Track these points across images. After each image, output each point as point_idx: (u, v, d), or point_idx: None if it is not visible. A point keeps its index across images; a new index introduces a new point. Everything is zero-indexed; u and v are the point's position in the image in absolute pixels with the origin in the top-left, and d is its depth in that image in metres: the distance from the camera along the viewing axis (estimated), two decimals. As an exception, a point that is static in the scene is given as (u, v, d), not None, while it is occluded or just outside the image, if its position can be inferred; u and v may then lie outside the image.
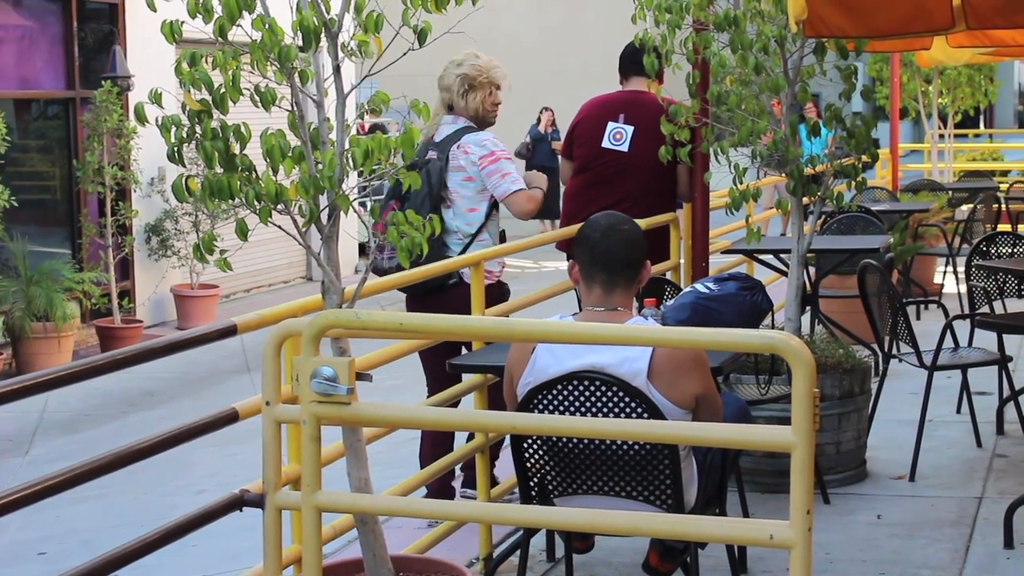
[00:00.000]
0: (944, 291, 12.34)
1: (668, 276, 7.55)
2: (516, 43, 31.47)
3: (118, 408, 10.96)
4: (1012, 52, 11.06)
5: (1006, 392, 7.52)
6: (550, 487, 4.43)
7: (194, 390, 11.57)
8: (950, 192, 14.72)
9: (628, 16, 6.80)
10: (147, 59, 13.80)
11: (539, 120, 24.12)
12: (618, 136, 7.52)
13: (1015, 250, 9.06)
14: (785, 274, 7.84)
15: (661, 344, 4.08)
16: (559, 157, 8.16)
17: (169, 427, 4.10)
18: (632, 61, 7.51)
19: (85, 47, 14.44)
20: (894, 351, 7.29)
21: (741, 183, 6.67)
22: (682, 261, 7.81)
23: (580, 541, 4.81)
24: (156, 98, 3.68)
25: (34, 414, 10.56)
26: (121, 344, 13.09)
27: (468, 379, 5.64)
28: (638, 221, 6.53)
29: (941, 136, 18.42)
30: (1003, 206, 13.56)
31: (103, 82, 13.66)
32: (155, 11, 3.75)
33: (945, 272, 12.57)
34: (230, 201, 3.70)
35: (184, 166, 3.82)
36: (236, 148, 3.71)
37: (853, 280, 7.50)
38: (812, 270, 9.49)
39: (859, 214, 10.37)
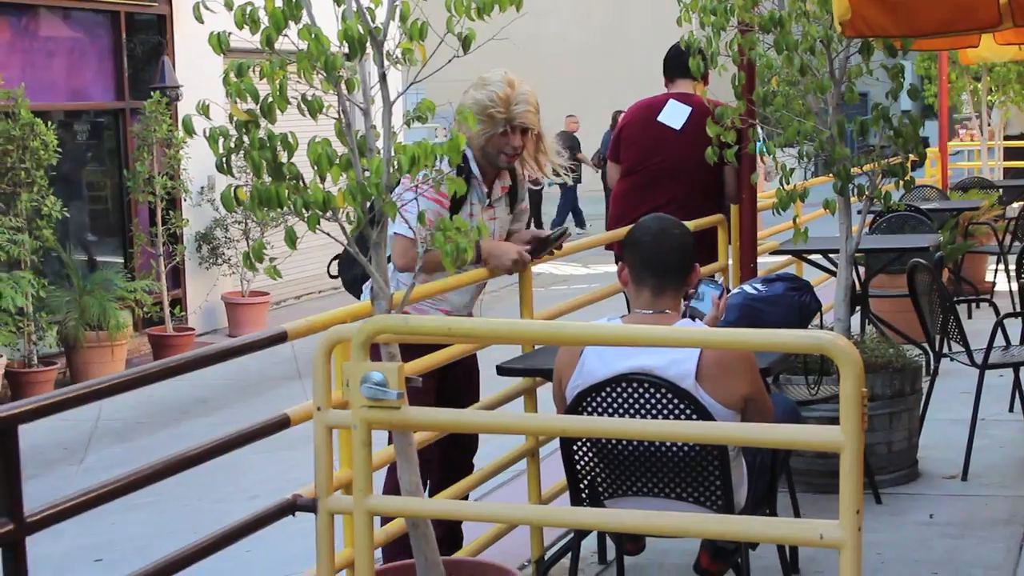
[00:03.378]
0: (996, 289, 12.26)
1: (717, 277, 7.54)
2: (561, 47, 31.55)
3: (171, 416, 11.05)
4: (1061, 48, 10.97)
5: (1058, 390, 7.48)
6: (600, 489, 4.44)
7: (246, 397, 11.64)
8: (1000, 190, 14.62)
9: (673, 19, 6.80)
10: (195, 69, 13.90)
11: (614, 124, 23.89)
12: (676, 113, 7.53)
13: (1067, 246, 9.00)
14: (834, 274, 7.82)
15: (709, 345, 4.09)
16: (607, 160, 8.16)
17: (222, 433, 4.14)
18: (677, 63, 7.51)
19: (134, 58, 14.57)
20: (945, 350, 7.25)
21: (788, 183, 6.67)
22: (730, 262, 7.79)
23: (631, 543, 4.83)
24: (204, 110, 3.72)
25: (88, 423, 10.66)
26: (173, 352, 13.21)
27: (514, 383, 5.66)
28: (686, 223, 6.58)
29: (992, 134, 18.30)
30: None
31: (152, 93, 13.80)
32: (202, 23, 3.79)
33: (996, 270, 12.49)
34: (279, 210, 3.73)
35: (233, 176, 3.86)
36: (284, 157, 3.74)
37: (903, 279, 7.48)
38: (862, 270, 9.46)
39: (908, 213, 10.33)
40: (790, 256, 9.27)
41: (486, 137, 5.50)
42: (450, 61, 4.00)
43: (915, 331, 8.12)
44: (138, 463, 3.86)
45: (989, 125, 18.22)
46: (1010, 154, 20.27)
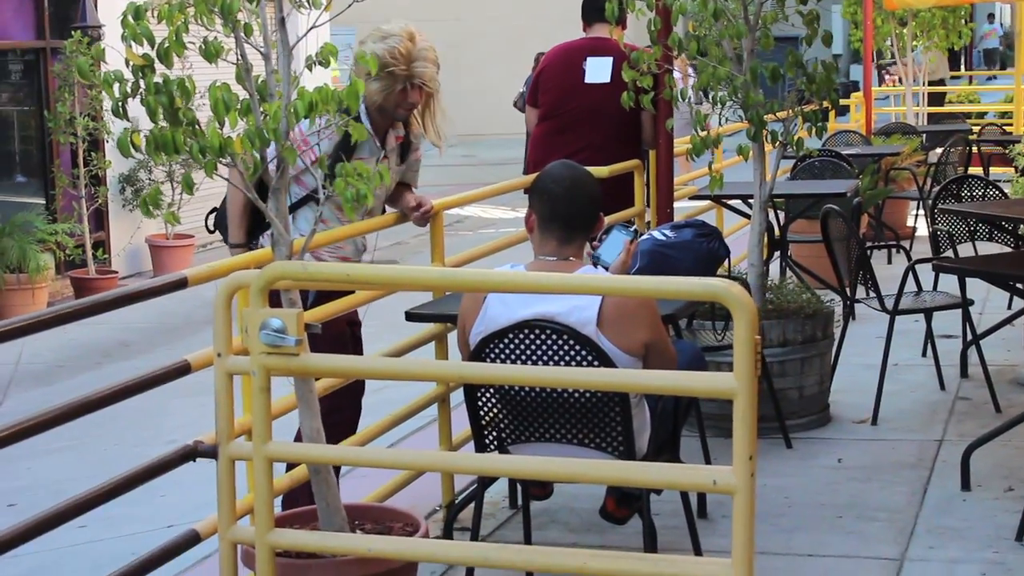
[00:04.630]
0: (916, 235, 12.37)
1: (633, 223, 7.55)
2: (494, -12, 31.35)
3: (93, 359, 10.97)
4: (980, -6, 11.01)
5: (970, 336, 7.57)
6: (503, 435, 4.46)
7: (169, 340, 11.56)
8: (923, 135, 14.71)
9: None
10: (117, 8, 13.66)
11: (536, 67, 23.73)
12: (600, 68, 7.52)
13: (986, 193, 9.07)
14: (752, 219, 7.86)
15: (607, 293, 4.10)
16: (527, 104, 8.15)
17: (121, 380, 4.13)
18: (594, 7, 7.50)
19: (55, -3, 14.37)
20: (860, 295, 7.32)
21: (703, 129, 6.67)
22: (648, 208, 7.81)
23: (538, 488, 4.85)
24: (99, 53, 3.69)
25: (8, 366, 10.57)
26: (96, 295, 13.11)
27: (426, 328, 5.66)
28: (602, 168, 6.58)
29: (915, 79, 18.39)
30: (975, 148, 13.57)
31: (73, 32, 13.59)
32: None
33: (917, 215, 12.59)
34: (175, 155, 3.71)
35: (128, 120, 3.82)
36: (180, 102, 3.71)
37: (822, 224, 7.51)
38: (782, 215, 9.51)
39: (830, 158, 10.39)
40: (710, 201, 9.30)
41: (384, 94, 5.27)
42: (350, 5, 3.98)
43: (833, 275, 8.20)
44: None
45: (915, 67, 18.29)
46: (934, 99, 20.42)
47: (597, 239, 4.75)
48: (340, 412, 5.32)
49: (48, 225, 13.25)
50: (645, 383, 3.74)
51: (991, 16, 45.08)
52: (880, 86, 22.73)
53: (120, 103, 3.72)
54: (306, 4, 3.90)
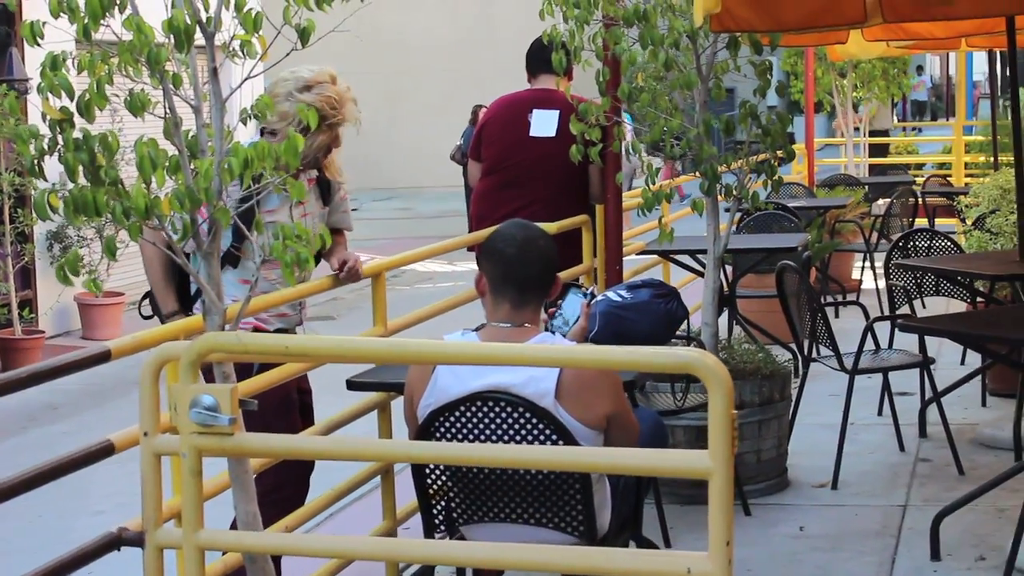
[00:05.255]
0: (862, 287, 12.21)
1: (581, 281, 7.29)
2: (429, 40, 31.21)
3: (17, 424, 10.56)
4: (928, 45, 10.95)
5: (928, 393, 7.34)
6: (455, 514, 4.16)
7: (99, 402, 11.17)
8: (866, 187, 14.61)
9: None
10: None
11: (474, 119, 23.54)
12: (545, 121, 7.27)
13: (932, 244, 8.91)
14: (702, 275, 7.62)
15: (568, 364, 3.80)
16: (468, 158, 7.88)
17: (41, 462, 3.81)
18: (540, 59, 7.25)
19: (-21, 50, 14.00)
20: (814, 354, 7.09)
21: (654, 183, 6.43)
22: (596, 265, 7.55)
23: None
24: (12, 107, 3.39)
25: (-72, 432, 10.17)
26: (22, 356, 12.75)
27: (369, 395, 5.33)
28: (550, 225, 6.31)
29: (856, 129, 18.35)
30: (919, 200, 13.46)
31: (-1, 86, 13.23)
32: (13, 11, 3.45)
33: (863, 268, 12.43)
34: (97, 217, 3.40)
35: (45, 179, 3.52)
36: (103, 159, 3.40)
37: (771, 279, 7.32)
38: (729, 270, 9.29)
39: (775, 211, 10.21)
40: (657, 256, 9.07)
41: (316, 146, 4.98)
42: (288, 54, 3.71)
43: (782, 331, 7.97)
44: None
45: (855, 117, 18.25)
46: (875, 151, 20.39)
47: (553, 303, 4.47)
48: (284, 489, 5.00)
49: (-28, 285, 12.85)
50: (611, 462, 3.44)
51: (920, 68, 45.35)
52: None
53: (36, 160, 3.40)
54: (240, 54, 3.61)
